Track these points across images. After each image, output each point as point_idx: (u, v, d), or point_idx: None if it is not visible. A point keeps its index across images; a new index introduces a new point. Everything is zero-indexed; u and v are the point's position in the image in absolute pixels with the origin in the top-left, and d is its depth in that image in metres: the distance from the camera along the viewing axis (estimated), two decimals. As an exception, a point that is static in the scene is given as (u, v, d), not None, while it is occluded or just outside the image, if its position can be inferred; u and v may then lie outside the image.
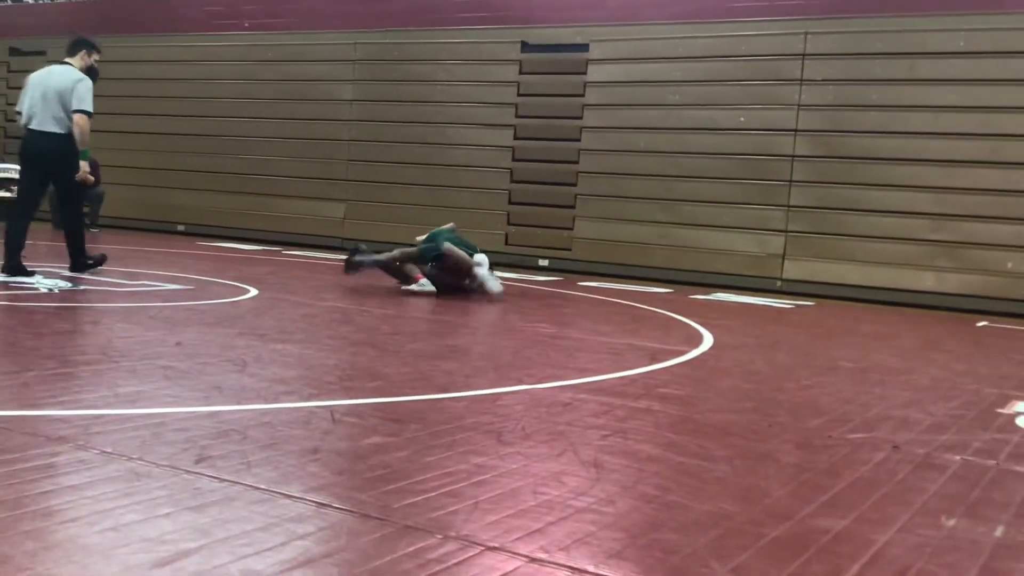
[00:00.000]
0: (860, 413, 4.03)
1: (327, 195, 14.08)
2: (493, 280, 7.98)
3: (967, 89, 10.37)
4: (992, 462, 3.30)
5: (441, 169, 13.20)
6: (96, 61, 7.64)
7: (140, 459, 2.58)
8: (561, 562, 2.06)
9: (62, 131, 7.16)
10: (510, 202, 12.84)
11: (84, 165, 7.38)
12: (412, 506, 2.34)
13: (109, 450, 2.65)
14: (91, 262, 7.73)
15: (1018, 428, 3.95)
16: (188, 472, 2.50)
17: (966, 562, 2.26)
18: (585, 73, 12.38)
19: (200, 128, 15.08)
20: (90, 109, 7.22)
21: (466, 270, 7.96)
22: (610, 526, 2.32)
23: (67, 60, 7.51)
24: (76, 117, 7.15)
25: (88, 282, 7.10)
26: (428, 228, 12.83)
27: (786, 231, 11.19)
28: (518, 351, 5.26)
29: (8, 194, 15.01)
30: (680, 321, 7.40)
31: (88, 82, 7.31)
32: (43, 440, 2.71)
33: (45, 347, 4.26)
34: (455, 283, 8.05)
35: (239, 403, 3.39)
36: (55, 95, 7.17)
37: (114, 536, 2.01)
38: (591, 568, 2.04)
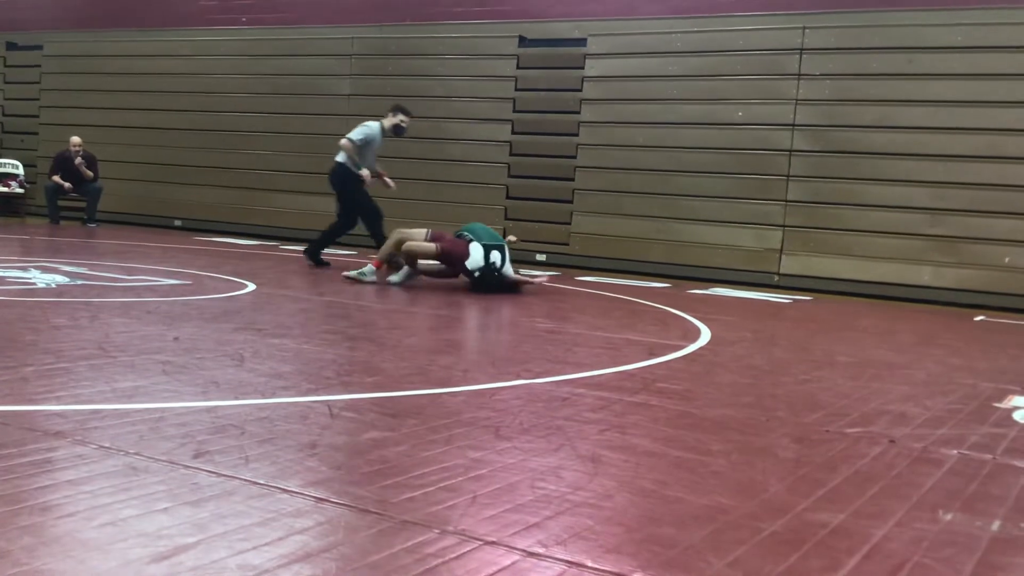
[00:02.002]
0: (857, 407, 4.03)
1: (324, 190, 14.01)
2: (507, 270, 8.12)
3: (965, 84, 10.37)
4: (989, 456, 3.30)
5: (439, 164, 13.19)
6: (403, 121, 9.52)
7: (138, 454, 2.58)
8: (559, 556, 2.06)
9: (342, 161, 9.33)
10: (508, 197, 12.83)
11: (364, 172, 9.24)
12: (410, 501, 2.35)
13: (107, 445, 2.65)
14: (320, 263, 9.48)
15: (1015, 422, 3.96)
16: (186, 467, 2.50)
17: (963, 556, 2.26)
18: (583, 68, 12.37)
19: (198, 123, 15.06)
20: (353, 137, 9.25)
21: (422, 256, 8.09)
22: (608, 520, 2.33)
23: (381, 118, 9.60)
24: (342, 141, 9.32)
25: (85, 277, 7.10)
26: (426, 222, 12.83)
27: (784, 226, 11.19)
28: (516, 346, 5.26)
29: (5, 189, 15.02)
30: (678, 316, 7.41)
31: (367, 126, 9.37)
32: (40, 435, 2.71)
33: (42, 342, 4.26)
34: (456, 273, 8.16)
35: (237, 398, 3.39)
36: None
37: (112, 531, 2.01)
38: (589, 562, 2.04)
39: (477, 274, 7.93)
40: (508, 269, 8.14)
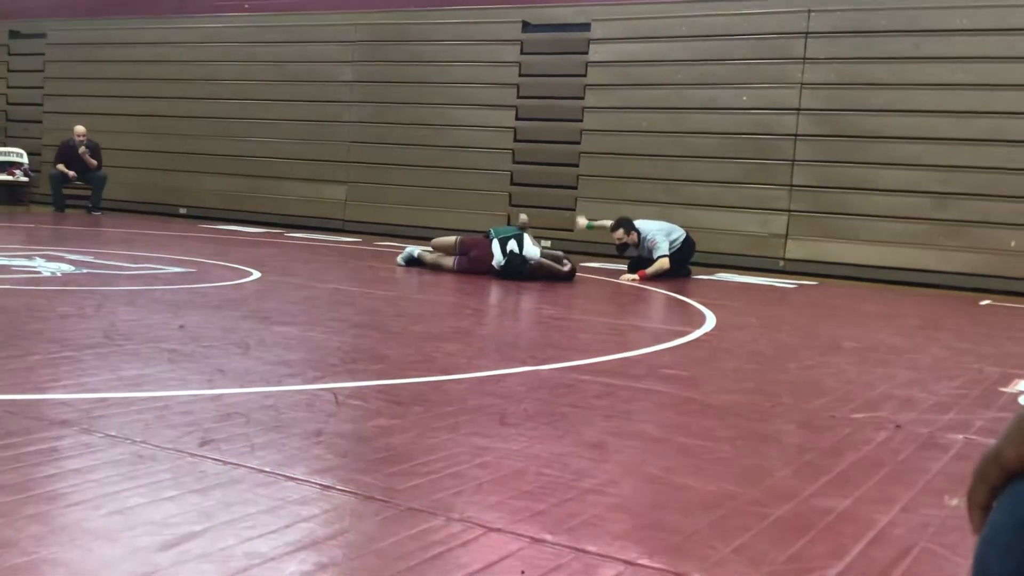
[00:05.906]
0: (863, 393, 4.03)
1: (328, 177, 14.05)
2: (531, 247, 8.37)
3: (971, 67, 10.31)
4: (995, 441, 3.29)
5: (443, 150, 13.17)
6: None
7: (144, 442, 2.59)
8: (564, 543, 2.06)
9: None
10: (512, 183, 12.81)
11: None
12: (416, 488, 2.35)
13: (113, 433, 2.66)
14: None
15: (1021, 407, 3.95)
16: (192, 455, 2.50)
17: (968, 541, 2.25)
18: (587, 53, 12.32)
19: (201, 111, 15.05)
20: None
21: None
22: (613, 507, 2.33)
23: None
24: None
25: (91, 266, 7.11)
26: (430, 210, 12.82)
27: (789, 211, 11.17)
28: (521, 332, 5.26)
29: (9, 178, 15.04)
30: (683, 301, 7.40)
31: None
32: (47, 424, 2.72)
33: (49, 331, 4.27)
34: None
35: (243, 386, 3.39)
36: None
37: (119, 519, 2.02)
38: (594, 549, 2.04)
39: (504, 263, 8.20)
40: (532, 251, 8.35)
